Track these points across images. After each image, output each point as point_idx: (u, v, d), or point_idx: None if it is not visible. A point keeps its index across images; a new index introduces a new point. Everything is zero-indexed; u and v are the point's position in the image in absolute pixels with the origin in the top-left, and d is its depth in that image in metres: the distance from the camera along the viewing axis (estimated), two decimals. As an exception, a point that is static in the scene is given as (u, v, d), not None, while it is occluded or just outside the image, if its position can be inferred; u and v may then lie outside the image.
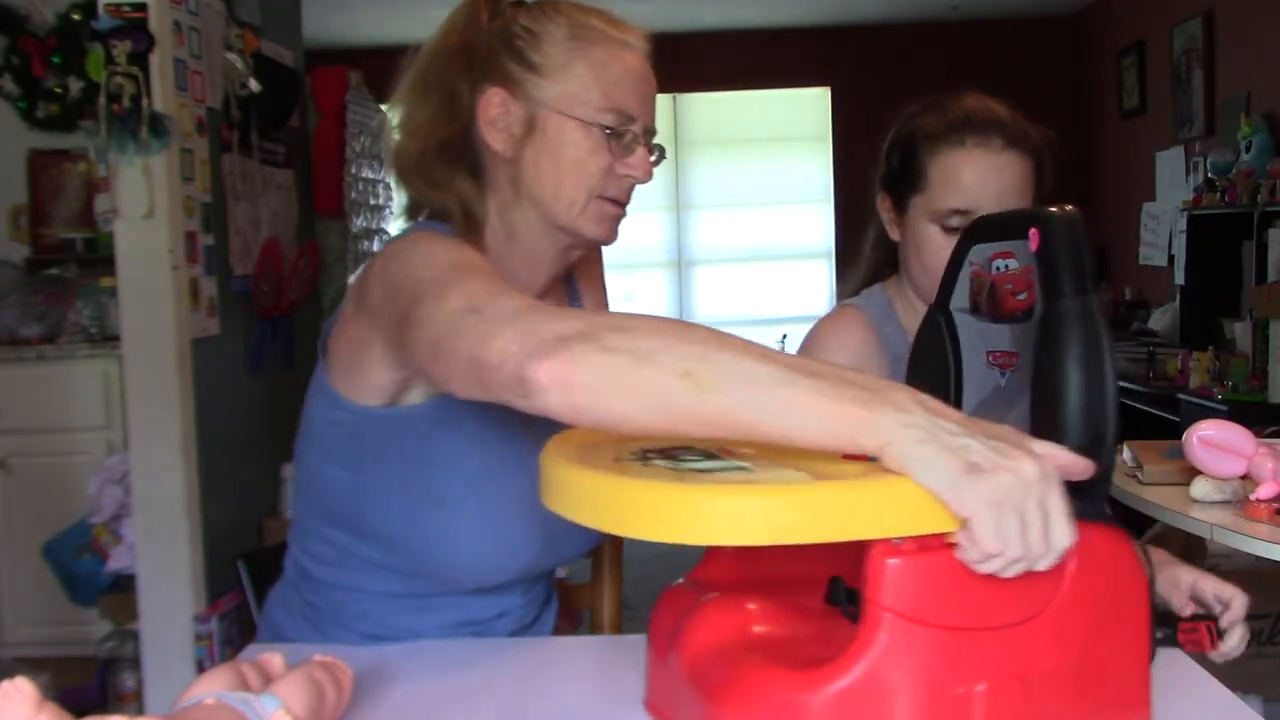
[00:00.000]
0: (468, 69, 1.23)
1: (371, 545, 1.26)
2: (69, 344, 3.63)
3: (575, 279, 1.44)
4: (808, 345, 1.50)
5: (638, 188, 1.26)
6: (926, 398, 0.80)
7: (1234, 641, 1.24)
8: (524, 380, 0.85)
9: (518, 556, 1.25)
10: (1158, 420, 4.36)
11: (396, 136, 1.28)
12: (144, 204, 2.66)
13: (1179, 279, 4.72)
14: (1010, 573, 0.76)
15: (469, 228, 1.24)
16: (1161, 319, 5.01)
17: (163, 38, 2.65)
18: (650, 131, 1.24)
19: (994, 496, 0.74)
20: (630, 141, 1.21)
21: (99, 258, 3.71)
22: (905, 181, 1.42)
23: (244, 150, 3.08)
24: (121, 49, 2.58)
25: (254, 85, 3.04)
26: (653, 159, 1.25)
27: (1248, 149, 4.22)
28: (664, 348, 0.83)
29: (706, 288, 6.89)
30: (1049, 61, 6.55)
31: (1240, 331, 4.04)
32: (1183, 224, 4.62)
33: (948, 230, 1.36)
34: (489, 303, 0.94)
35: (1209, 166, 4.43)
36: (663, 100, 6.80)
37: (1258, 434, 1.81)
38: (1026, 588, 0.78)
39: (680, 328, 0.86)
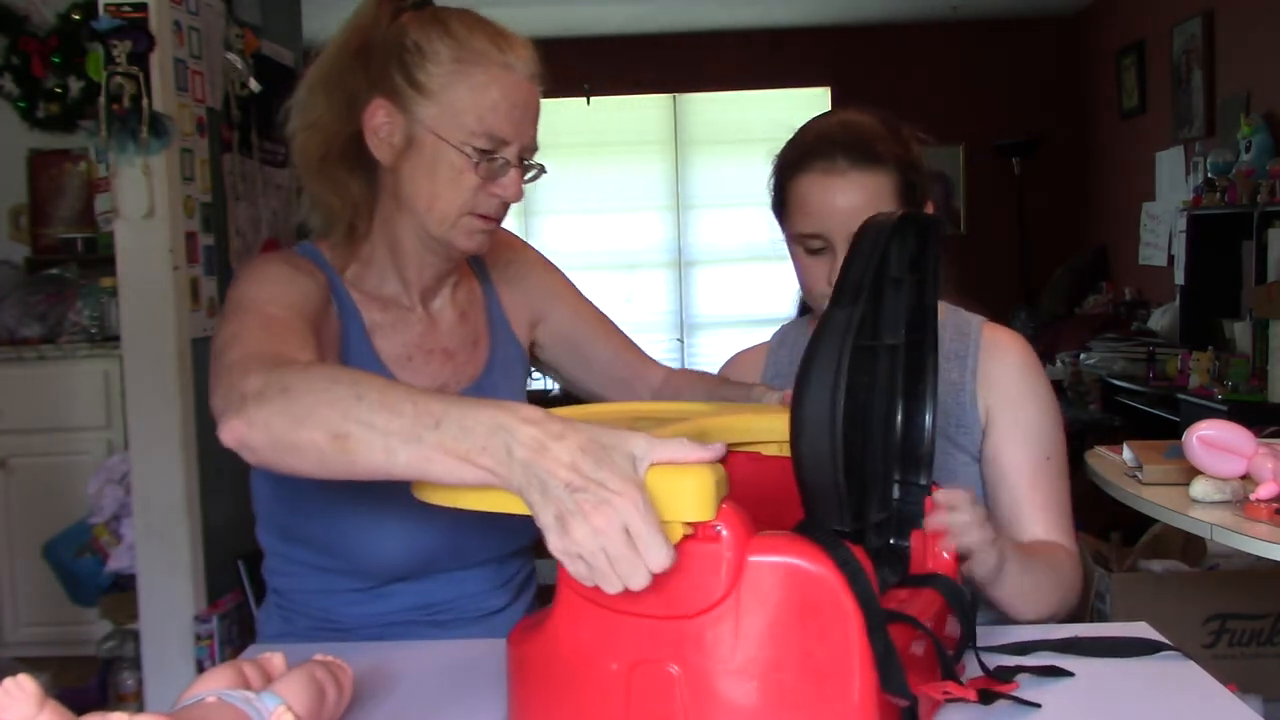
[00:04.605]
0: (365, 71, 1.27)
1: (303, 549, 1.31)
2: (69, 344, 3.63)
3: (488, 272, 1.46)
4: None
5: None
6: (540, 424, 0.84)
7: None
8: (221, 438, 0.97)
9: (438, 543, 1.28)
10: (1158, 420, 4.36)
11: (298, 131, 1.32)
12: (144, 204, 2.65)
13: (1179, 279, 4.72)
14: (612, 591, 0.81)
15: (349, 238, 1.32)
16: (1161, 319, 5.01)
17: (163, 38, 2.65)
18: (530, 149, 1.28)
19: (577, 548, 0.80)
20: (501, 166, 1.26)
21: (99, 258, 3.71)
22: (776, 210, 1.46)
23: (244, 150, 3.07)
24: (121, 49, 2.58)
25: (254, 85, 3.03)
26: (531, 175, 1.30)
27: (1247, 149, 4.21)
28: (319, 409, 0.91)
29: (706, 288, 6.88)
30: (1049, 61, 6.55)
31: (1240, 331, 4.04)
32: (1183, 224, 4.62)
33: (810, 252, 1.40)
34: (225, 349, 1.05)
35: (1209, 166, 4.43)
36: (663, 100, 6.85)
37: (1258, 434, 1.81)
38: (684, 590, 0.84)
39: (344, 383, 0.92)
